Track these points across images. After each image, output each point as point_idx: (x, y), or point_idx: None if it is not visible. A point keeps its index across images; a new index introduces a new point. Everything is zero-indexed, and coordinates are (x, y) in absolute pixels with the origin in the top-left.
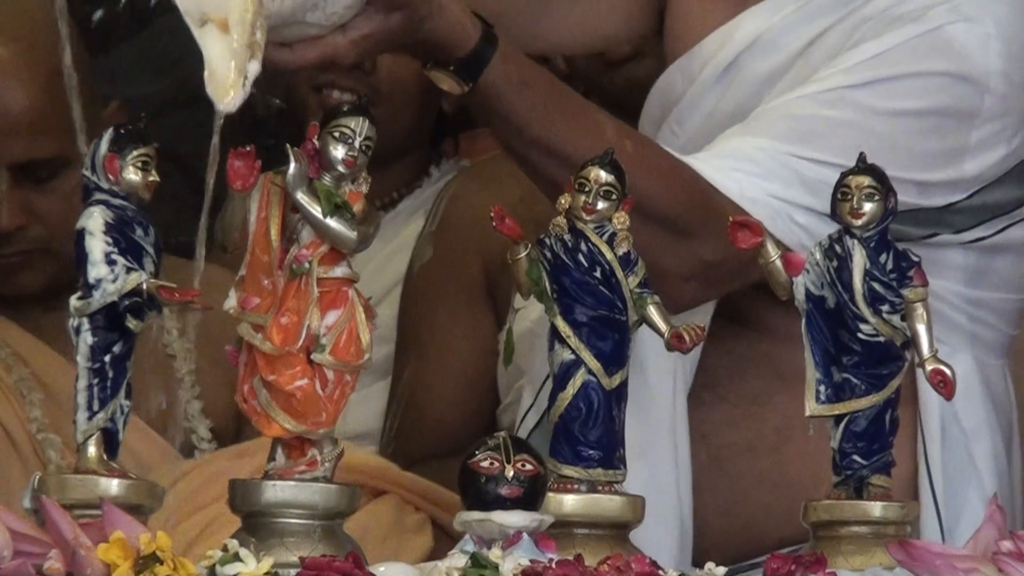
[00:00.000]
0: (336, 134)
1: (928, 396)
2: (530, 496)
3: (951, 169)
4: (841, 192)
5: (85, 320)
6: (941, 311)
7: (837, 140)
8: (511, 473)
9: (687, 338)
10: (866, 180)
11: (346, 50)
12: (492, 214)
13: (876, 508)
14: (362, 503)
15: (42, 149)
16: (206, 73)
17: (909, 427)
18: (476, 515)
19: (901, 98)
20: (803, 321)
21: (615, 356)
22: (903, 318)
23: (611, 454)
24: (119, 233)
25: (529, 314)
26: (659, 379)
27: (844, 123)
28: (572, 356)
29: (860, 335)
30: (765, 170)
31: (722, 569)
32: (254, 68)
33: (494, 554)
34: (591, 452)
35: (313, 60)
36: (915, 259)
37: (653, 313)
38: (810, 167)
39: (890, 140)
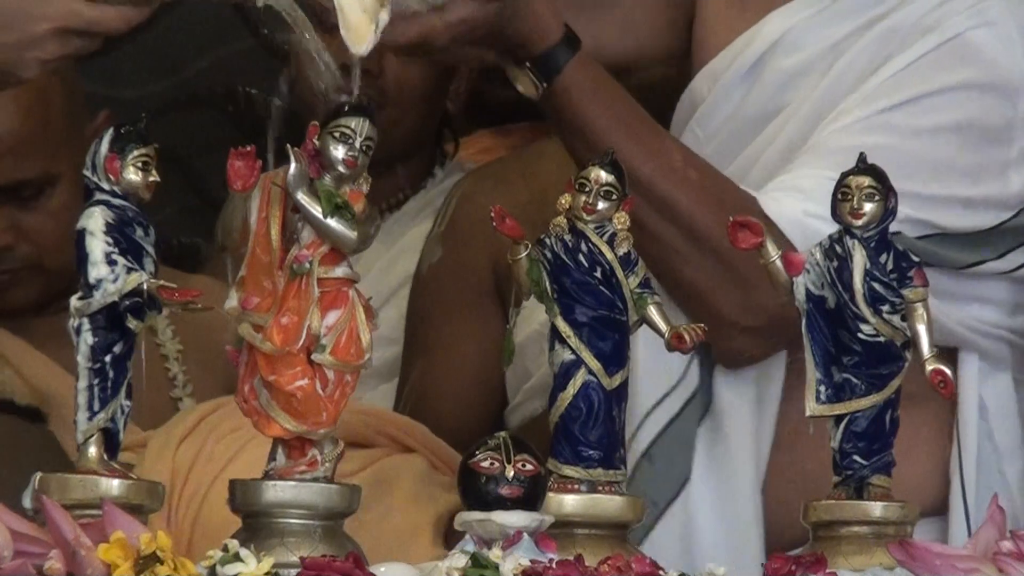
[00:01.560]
0: (336, 134)
1: (968, 414)
2: (530, 496)
3: (996, 183)
4: (841, 192)
5: (85, 320)
6: (977, 340)
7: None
8: (511, 473)
9: (687, 338)
10: (866, 180)
11: (440, 33)
12: (492, 214)
13: (876, 508)
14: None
15: (26, 170)
16: (340, 21)
17: (942, 442)
18: (476, 515)
19: (933, 114)
20: (803, 321)
21: (615, 356)
22: (903, 318)
23: (611, 454)
24: (119, 233)
25: (539, 316)
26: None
27: (885, 148)
28: (572, 356)
29: (860, 335)
30: (823, 202)
31: (722, 569)
32: (384, 17)
33: (494, 554)
34: (591, 452)
35: (411, 37)
36: (915, 259)
37: (653, 313)
38: None
39: (931, 158)
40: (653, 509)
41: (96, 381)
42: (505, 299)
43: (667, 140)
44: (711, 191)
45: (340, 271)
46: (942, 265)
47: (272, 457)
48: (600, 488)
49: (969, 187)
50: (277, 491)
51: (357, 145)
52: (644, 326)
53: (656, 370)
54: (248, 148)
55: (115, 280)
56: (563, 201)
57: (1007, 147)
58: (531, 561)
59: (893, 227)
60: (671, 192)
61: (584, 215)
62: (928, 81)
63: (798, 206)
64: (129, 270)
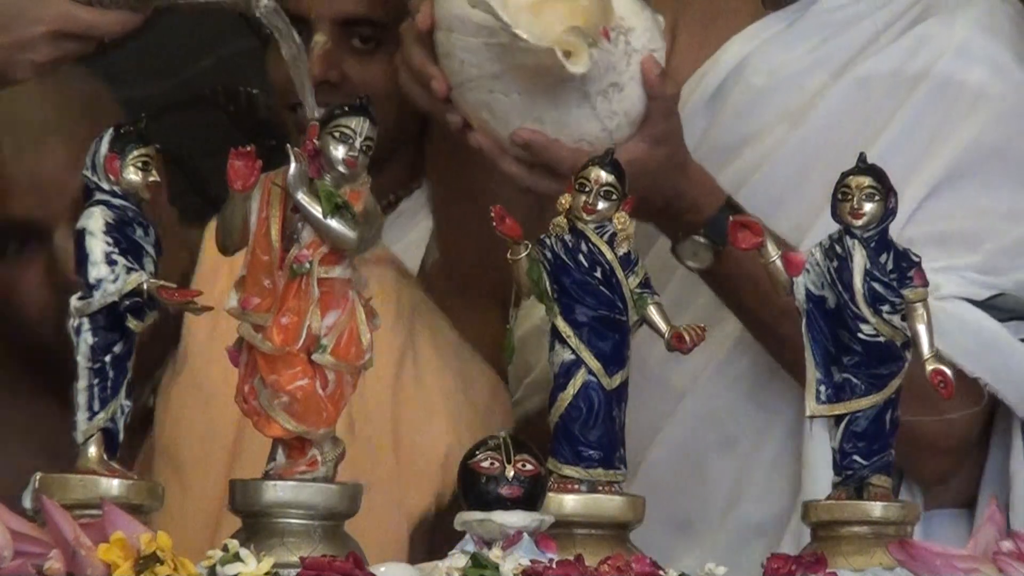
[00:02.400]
0: (336, 134)
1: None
2: (530, 496)
3: None
4: (841, 192)
5: (85, 320)
6: None
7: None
8: (511, 473)
9: (688, 338)
10: (866, 180)
11: None
12: (492, 214)
13: (876, 508)
14: None
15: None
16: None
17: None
18: (476, 515)
19: (978, 167)
20: (803, 321)
21: (615, 356)
22: (903, 318)
23: (611, 454)
24: (119, 233)
25: (539, 311)
26: None
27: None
28: (572, 356)
29: (860, 335)
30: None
31: (722, 569)
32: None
33: (494, 554)
34: (591, 452)
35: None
36: (915, 259)
37: (653, 313)
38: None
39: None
40: None
41: (96, 381)
42: (501, 295)
43: None
44: None
45: (340, 271)
46: None
47: (272, 457)
48: (600, 488)
49: None
50: (277, 491)
51: (357, 145)
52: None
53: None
54: (248, 148)
55: (115, 280)
56: (563, 201)
57: None
58: (531, 561)
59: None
60: None
61: (584, 215)
62: (946, 146)
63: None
64: (129, 270)
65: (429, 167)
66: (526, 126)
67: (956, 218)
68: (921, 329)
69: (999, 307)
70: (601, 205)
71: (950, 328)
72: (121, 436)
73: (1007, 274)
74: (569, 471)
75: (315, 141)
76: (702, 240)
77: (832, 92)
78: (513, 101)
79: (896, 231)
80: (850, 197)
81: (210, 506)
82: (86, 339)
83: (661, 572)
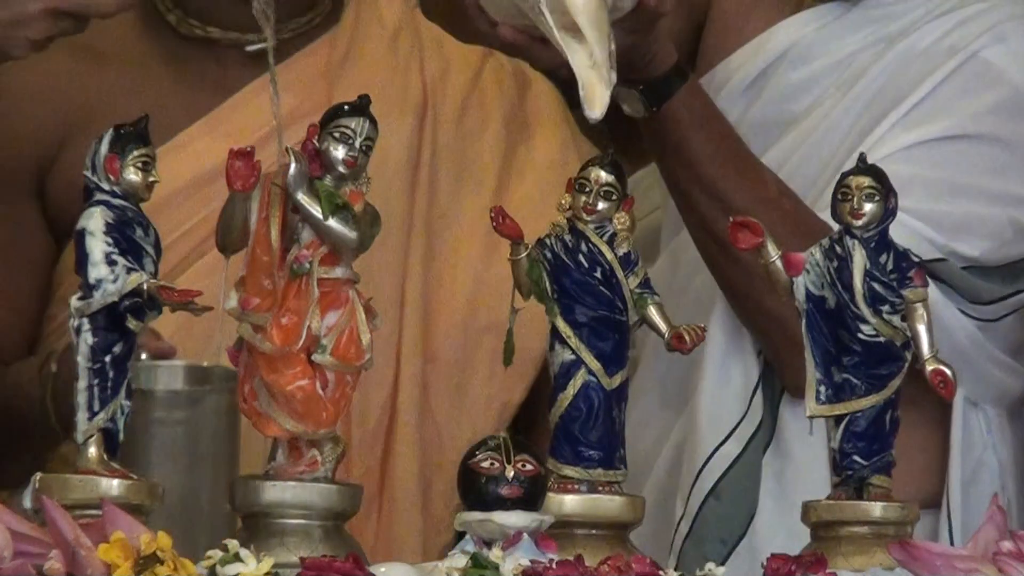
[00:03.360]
0: (336, 134)
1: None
2: (530, 496)
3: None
4: (841, 192)
5: (85, 320)
6: None
7: (921, 191)
8: (511, 473)
9: (688, 338)
10: (866, 180)
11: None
12: (492, 214)
13: (876, 508)
14: None
15: None
16: (580, 84)
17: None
18: (476, 515)
19: (965, 144)
20: (803, 321)
21: (615, 356)
22: (903, 318)
23: (611, 454)
24: (119, 233)
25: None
26: None
27: (920, 178)
28: (572, 356)
29: (860, 335)
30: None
31: (722, 569)
32: (613, 77)
33: (494, 554)
34: (591, 452)
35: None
36: (915, 259)
37: (653, 313)
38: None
39: (977, 178)
40: (721, 548)
41: (96, 381)
42: None
43: (764, 172)
44: (803, 221)
45: (340, 271)
46: (977, 298)
47: (272, 457)
48: (600, 488)
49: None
50: (277, 491)
51: (357, 145)
52: (705, 369)
53: (718, 411)
54: (248, 148)
55: (115, 280)
56: (563, 201)
57: None
58: (531, 561)
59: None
60: (765, 222)
61: (584, 215)
62: (956, 110)
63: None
64: (129, 270)
65: None
66: None
67: (932, 167)
68: (921, 329)
69: (936, 274)
70: (601, 205)
71: None
72: (121, 436)
73: (949, 243)
74: (569, 471)
75: (315, 141)
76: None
77: (874, 68)
78: None
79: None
80: (850, 197)
81: None
82: (86, 339)
83: (661, 572)
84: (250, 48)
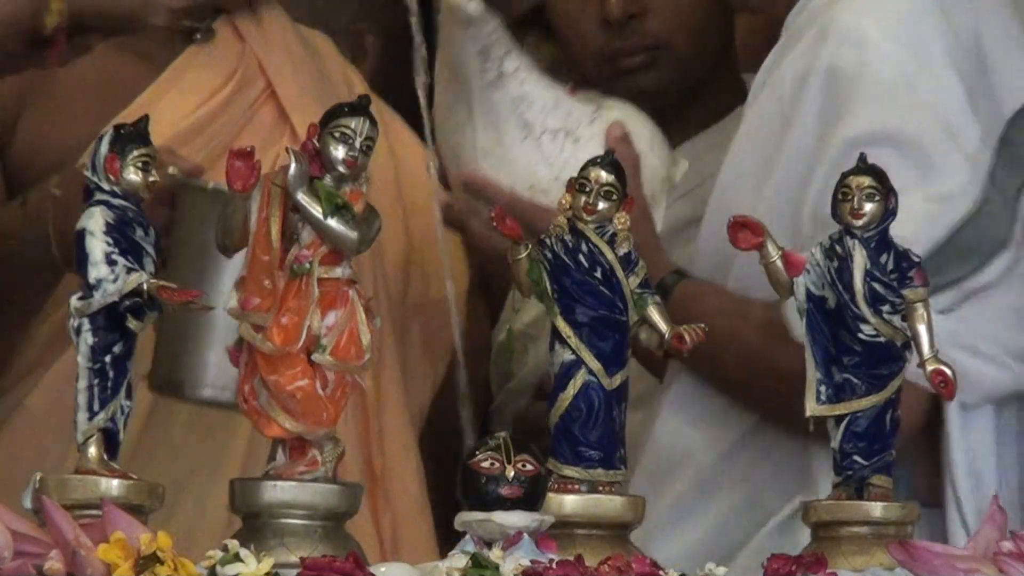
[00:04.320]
0: (336, 134)
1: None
2: (531, 496)
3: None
4: (842, 192)
5: (86, 320)
6: None
7: None
8: (511, 473)
9: (688, 338)
10: (866, 180)
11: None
12: (492, 214)
13: (877, 508)
14: None
15: None
16: None
17: None
18: (476, 515)
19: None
20: (804, 321)
21: (615, 356)
22: (903, 318)
23: (612, 454)
24: (120, 233)
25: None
26: None
27: None
28: (572, 356)
29: (861, 335)
30: None
31: (722, 569)
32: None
33: (495, 554)
34: (592, 452)
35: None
36: (915, 259)
37: (654, 313)
38: None
39: None
40: None
41: (96, 381)
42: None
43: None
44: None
45: (340, 271)
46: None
47: (272, 457)
48: (600, 488)
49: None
50: (277, 491)
51: (357, 145)
52: None
53: None
54: (248, 148)
55: (115, 280)
56: (563, 201)
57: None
58: (531, 561)
59: None
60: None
61: (584, 215)
62: (839, 133)
63: None
64: (129, 270)
65: None
66: (480, 166)
67: None
68: (921, 329)
69: None
70: (601, 205)
71: None
72: (121, 436)
73: None
74: (569, 471)
75: (315, 141)
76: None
77: (753, 104)
78: (469, 139)
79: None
80: (850, 197)
81: None
82: (86, 339)
83: (661, 572)
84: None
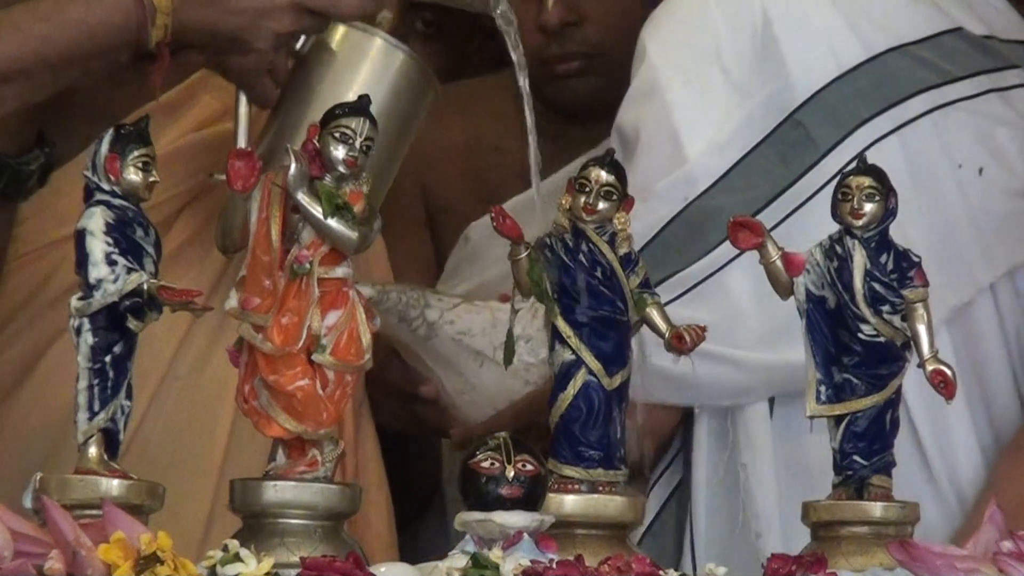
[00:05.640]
0: (336, 134)
1: None
2: (531, 496)
3: None
4: (841, 192)
5: (86, 320)
6: None
7: None
8: (511, 473)
9: (688, 338)
10: (866, 180)
11: None
12: (492, 214)
13: (877, 508)
14: None
15: None
16: None
17: None
18: (477, 515)
19: None
20: (804, 321)
21: (616, 356)
22: (903, 318)
23: (612, 454)
24: (120, 234)
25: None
26: None
27: None
28: (573, 356)
29: (860, 335)
30: None
31: (722, 569)
32: None
33: (495, 554)
34: (592, 452)
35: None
36: (915, 259)
37: (654, 313)
38: None
39: None
40: None
41: (96, 381)
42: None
43: None
44: None
45: (340, 271)
46: None
47: (272, 457)
48: (600, 488)
49: None
50: (277, 491)
51: (357, 145)
52: None
53: None
54: (248, 148)
55: (115, 280)
56: (563, 201)
57: None
58: (531, 561)
59: None
60: None
61: (584, 215)
62: None
63: None
64: (129, 270)
65: None
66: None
67: None
68: (921, 329)
69: None
70: (601, 205)
71: None
72: (122, 436)
73: None
74: (569, 471)
75: (315, 141)
76: None
77: None
78: (439, 384)
79: None
80: (850, 197)
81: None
82: (86, 339)
83: (661, 572)
84: None
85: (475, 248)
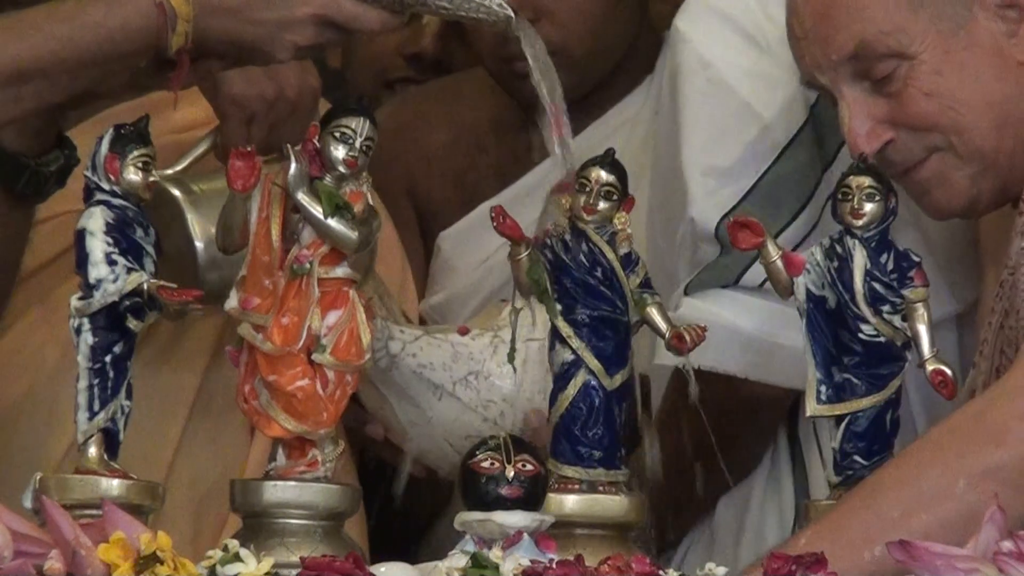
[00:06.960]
0: (337, 134)
1: None
2: (531, 496)
3: None
4: (842, 192)
5: (86, 320)
6: None
7: None
8: (511, 473)
9: (688, 338)
10: (867, 180)
11: None
12: (492, 214)
13: None
14: None
15: None
16: None
17: None
18: (477, 515)
19: None
20: (804, 321)
21: (616, 356)
22: (904, 318)
23: (612, 454)
24: (120, 233)
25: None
26: None
27: None
28: (573, 356)
29: (861, 335)
30: None
31: (722, 569)
32: None
33: (495, 554)
34: (592, 452)
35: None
36: (916, 259)
37: (654, 313)
38: None
39: None
40: None
41: (96, 381)
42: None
43: None
44: None
45: (340, 271)
46: None
47: (272, 457)
48: (600, 488)
49: None
50: (277, 491)
51: (357, 145)
52: None
53: None
54: (248, 148)
55: (115, 280)
56: (563, 201)
57: None
58: (531, 561)
59: None
60: None
61: (585, 215)
62: None
63: None
64: (129, 270)
65: None
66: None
67: None
68: (921, 329)
69: None
70: (602, 205)
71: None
72: (121, 436)
73: None
74: (569, 471)
75: (315, 141)
76: None
77: None
78: (392, 415)
79: None
80: (850, 197)
81: None
82: (86, 339)
83: (661, 572)
84: None
85: (447, 258)
